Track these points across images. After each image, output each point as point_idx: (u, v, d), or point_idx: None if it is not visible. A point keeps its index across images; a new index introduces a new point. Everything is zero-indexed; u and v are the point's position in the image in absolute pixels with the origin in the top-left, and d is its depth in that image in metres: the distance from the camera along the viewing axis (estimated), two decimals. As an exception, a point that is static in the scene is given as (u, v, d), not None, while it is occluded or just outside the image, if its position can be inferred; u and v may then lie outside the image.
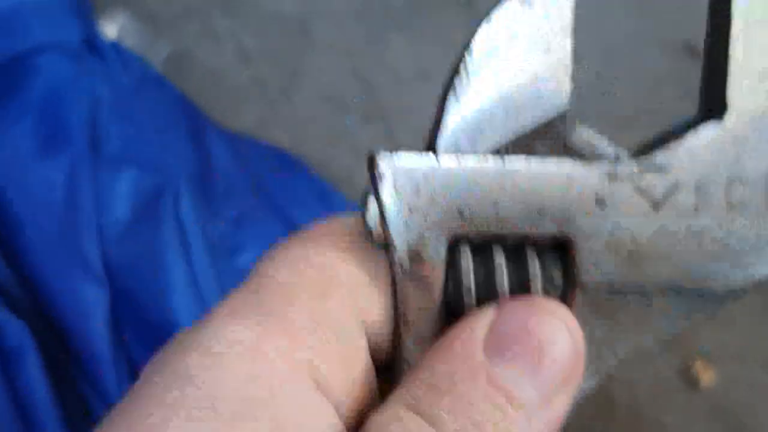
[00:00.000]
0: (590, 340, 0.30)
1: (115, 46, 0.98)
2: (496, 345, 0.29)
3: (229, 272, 0.85)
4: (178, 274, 0.72)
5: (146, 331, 0.72)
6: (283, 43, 1.26)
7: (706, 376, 1.15)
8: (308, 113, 1.23)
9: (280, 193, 1.01)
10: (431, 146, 0.31)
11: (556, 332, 0.29)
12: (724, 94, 0.30)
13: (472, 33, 0.30)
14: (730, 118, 0.30)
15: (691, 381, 1.15)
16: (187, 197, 0.78)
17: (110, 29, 1.18)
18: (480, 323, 0.29)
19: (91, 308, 0.73)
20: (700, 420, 1.15)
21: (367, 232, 0.30)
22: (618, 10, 1.27)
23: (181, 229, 0.74)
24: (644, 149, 0.31)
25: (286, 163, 1.08)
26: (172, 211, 0.74)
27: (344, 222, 0.32)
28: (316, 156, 1.20)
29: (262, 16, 1.27)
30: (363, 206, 0.30)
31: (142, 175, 0.78)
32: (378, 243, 0.30)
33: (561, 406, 0.30)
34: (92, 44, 0.91)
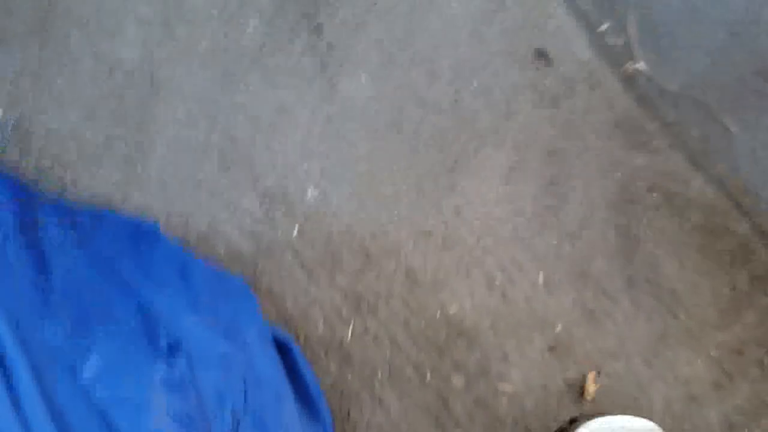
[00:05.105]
0: None
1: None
2: None
3: (73, 389, 0.81)
4: (2, 410, 0.69)
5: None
6: (128, 95, 1.20)
7: (591, 377, 1.17)
8: (164, 166, 1.19)
9: (132, 274, 0.97)
10: None
11: None
12: None
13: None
14: None
15: (576, 388, 1.17)
16: (7, 313, 0.74)
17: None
18: None
19: None
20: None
21: None
22: (464, 25, 1.25)
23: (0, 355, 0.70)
24: None
25: (139, 235, 1.04)
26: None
27: None
28: (177, 209, 1.16)
29: (102, 68, 1.21)
30: None
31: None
32: None
33: None
34: None
